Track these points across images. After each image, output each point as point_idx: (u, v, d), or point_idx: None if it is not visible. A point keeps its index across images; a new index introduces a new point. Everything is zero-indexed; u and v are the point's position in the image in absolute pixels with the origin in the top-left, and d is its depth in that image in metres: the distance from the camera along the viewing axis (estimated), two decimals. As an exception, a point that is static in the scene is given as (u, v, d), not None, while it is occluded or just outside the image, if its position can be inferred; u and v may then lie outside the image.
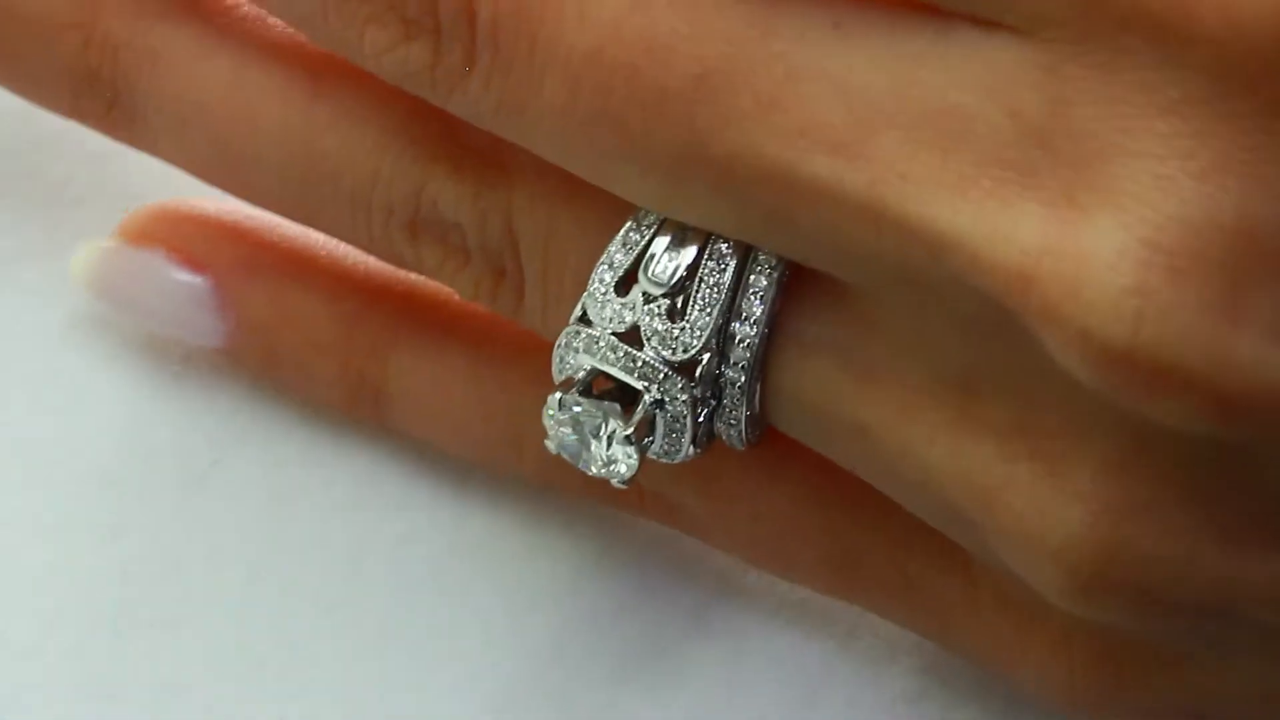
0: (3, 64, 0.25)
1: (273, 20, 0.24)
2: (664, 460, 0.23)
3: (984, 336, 0.20)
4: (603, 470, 0.22)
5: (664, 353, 0.22)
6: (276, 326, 0.26)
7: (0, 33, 0.24)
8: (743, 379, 0.22)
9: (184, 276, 0.26)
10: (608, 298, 0.22)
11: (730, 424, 0.23)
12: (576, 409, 0.22)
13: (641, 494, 0.25)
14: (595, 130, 0.21)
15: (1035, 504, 0.20)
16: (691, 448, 0.23)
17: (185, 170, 0.25)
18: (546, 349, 0.23)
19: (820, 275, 0.22)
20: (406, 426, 0.26)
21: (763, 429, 0.23)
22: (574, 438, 0.22)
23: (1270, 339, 0.18)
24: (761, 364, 0.22)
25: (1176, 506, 0.20)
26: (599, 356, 0.22)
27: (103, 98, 0.25)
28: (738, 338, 0.22)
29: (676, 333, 0.22)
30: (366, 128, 0.23)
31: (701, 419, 0.22)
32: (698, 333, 0.22)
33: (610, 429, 0.22)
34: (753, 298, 0.22)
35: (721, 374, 0.22)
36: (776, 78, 0.20)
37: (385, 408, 0.26)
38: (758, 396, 0.22)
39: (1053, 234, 0.19)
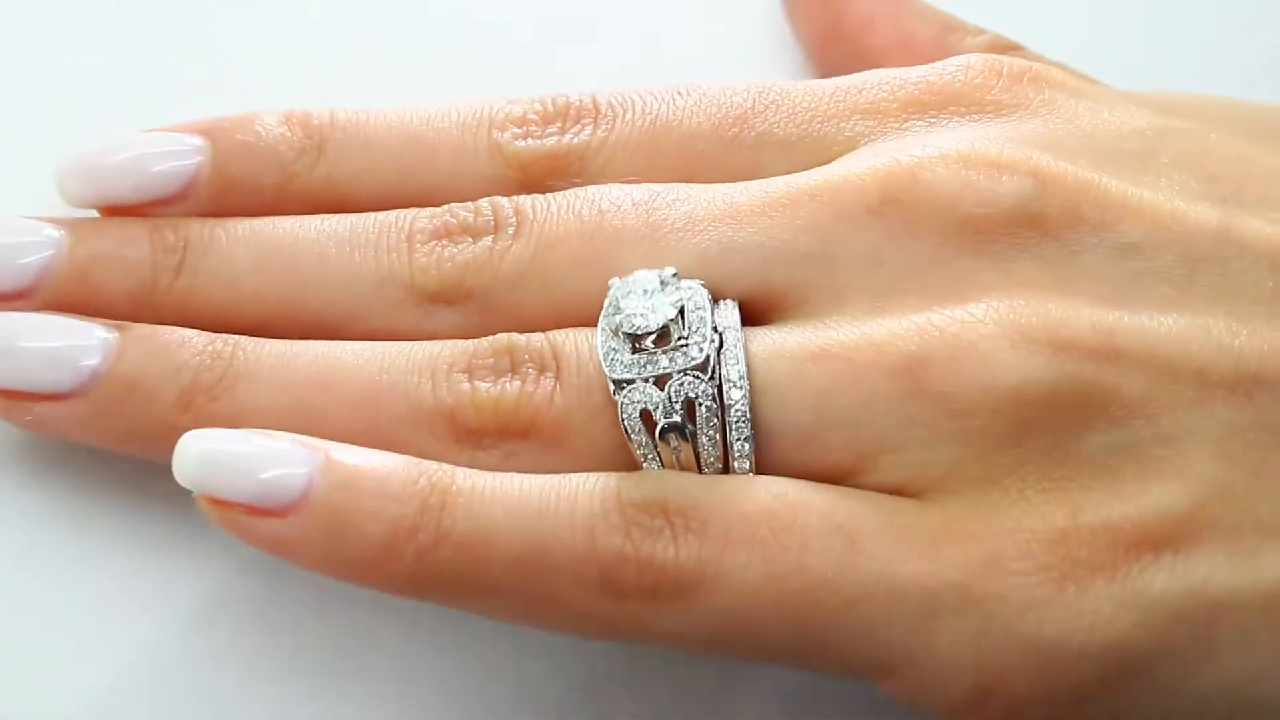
0: (143, 369, 0.31)
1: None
2: (707, 446, 0.29)
3: (880, 259, 0.29)
4: (643, 320, 0.29)
5: (683, 360, 0.29)
6: (355, 466, 0.29)
7: (147, 347, 0.31)
8: (738, 352, 0.29)
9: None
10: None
11: (737, 416, 0.28)
12: (623, 287, 0.29)
13: (675, 552, 0.28)
14: (602, 233, 0.30)
15: (955, 314, 0.28)
16: (719, 436, 0.28)
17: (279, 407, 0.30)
18: None
19: (760, 310, 0.30)
20: (465, 542, 0.28)
21: (757, 441, 0.29)
22: (622, 317, 0.29)
23: (1063, 162, 0.30)
24: (745, 349, 0.29)
25: (1050, 294, 0.29)
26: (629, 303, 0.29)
27: (217, 370, 0.30)
28: (725, 337, 0.29)
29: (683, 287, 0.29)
30: (431, 343, 0.30)
31: (717, 416, 0.29)
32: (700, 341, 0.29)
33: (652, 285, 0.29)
34: (726, 311, 0.29)
35: (722, 362, 0.29)
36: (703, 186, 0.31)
37: (449, 511, 0.28)
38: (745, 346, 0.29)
39: (901, 150, 0.30)
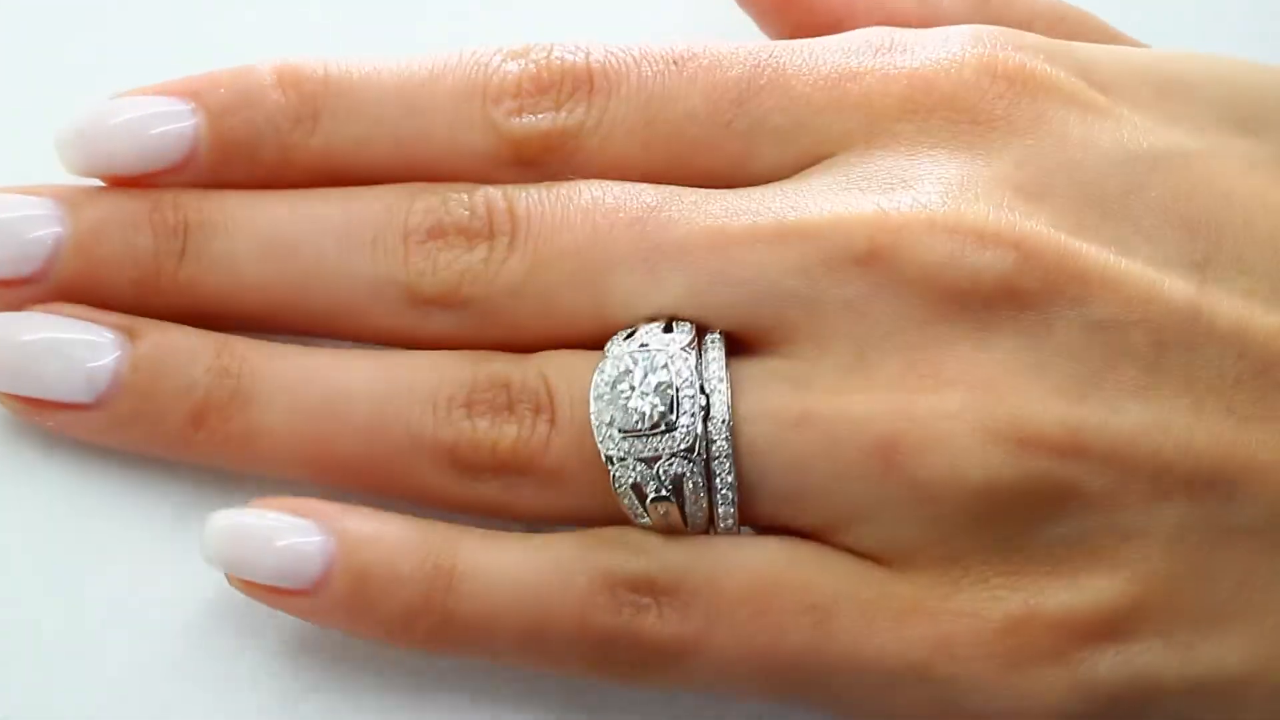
0: (155, 386, 0.31)
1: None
2: (675, 426, 0.30)
3: (864, 311, 0.30)
4: (632, 426, 0.30)
5: (667, 344, 0.30)
6: (368, 535, 0.31)
7: (158, 365, 0.31)
8: (721, 389, 0.30)
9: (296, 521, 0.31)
10: (620, 340, 0.30)
11: (723, 485, 0.30)
12: (620, 353, 0.30)
13: (661, 628, 0.30)
14: (596, 253, 0.31)
15: (936, 398, 0.29)
16: (696, 410, 0.30)
17: (280, 462, 0.31)
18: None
19: (750, 342, 0.30)
20: (471, 620, 0.31)
21: (740, 501, 0.30)
22: (615, 381, 0.30)
23: (1036, 222, 0.30)
24: (729, 388, 0.30)
25: (1021, 377, 0.29)
26: (621, 362, 0.30)
27: (227, 391, 0.31)
28: (706, 374, 0.30)
29: (672, 336, 0.30)
30: (432, 356, 0.31)
31: (704, 489, 0.30)
32: (685, 332, 0.30)
33: (644, 357, 0.30)
34: (710, 347, 0.30)
35: (705, 390, 0.30)
36: (700, 194, 0.31)
37: (458, 589, 0.30)
38: (731, 411, 0.30)
39: (889, 200, 0.30)
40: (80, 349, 0.31)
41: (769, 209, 0.30)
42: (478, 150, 0.32)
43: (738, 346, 0.31)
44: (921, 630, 0.29)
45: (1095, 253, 0.30)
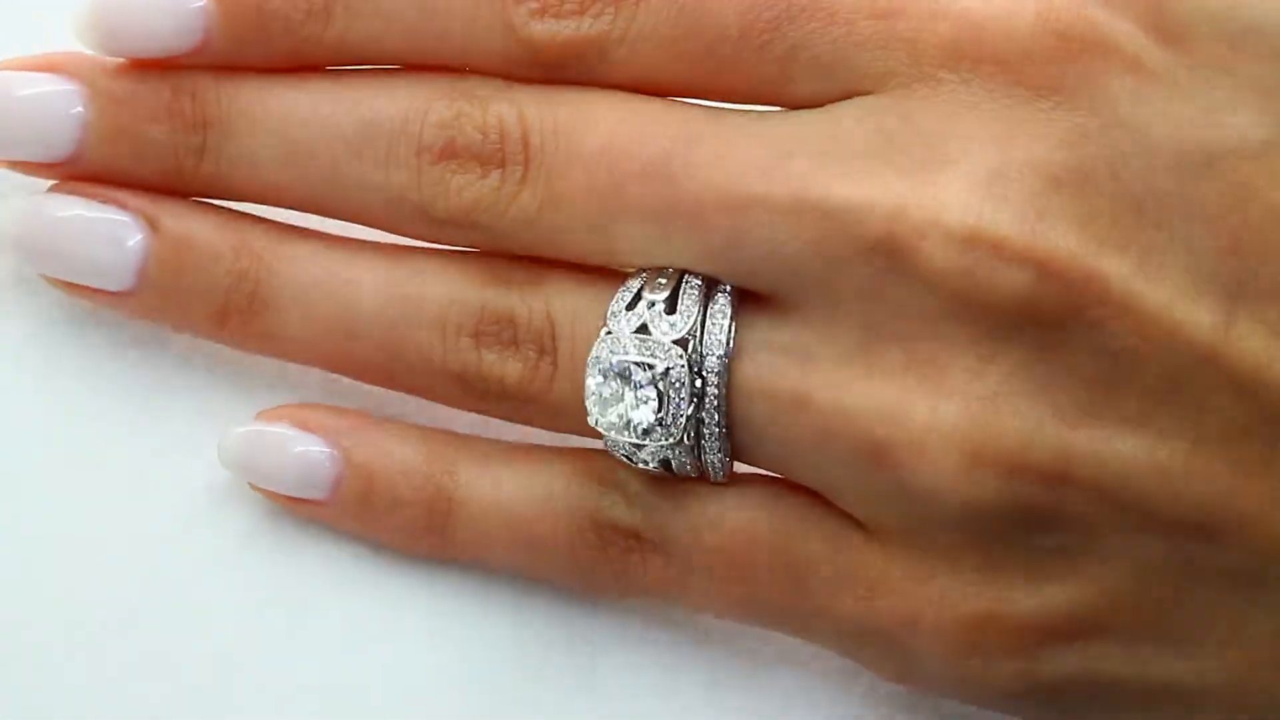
0: (175, 284, 0.32)
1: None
2: (665, 433, 0.30)
3: (876, 296, 0.29)
4: (625, 432, 0.30)
5: (666, 335, 0.30)
6: (374, 455, 0.33)
7: (177, 261, 0.32)
8: (717, 367, 0.30)
9: (305, 439, 0.33)
10: (622, 313, 0.30)
11: (711, 434, 0.30)
12: (606, 384, 0.30)
13: (644, 568, 0.32)
14: (606, 201, 0.30)
15: (928, 408, 0.28)
16: (687, 409, 0.30)
17: (305, 357, 0.32)
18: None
19: (762, 298, 0.30)
20: (469, 542, 0.33)
21: (731, 452, 0.30)
22: (603, 404, 0.30)
23: (1060, 229, 0.28)
24: (729, 362, 0.30)
25: (1022, 397, 0.28)
26: (622, 350, 0.30)
27: (244, 295, 0.32)
28: (711, 336, 0.30)
29: (673, 320, 0.30)
30: (441, 274, 0.32)
31: (692, 408, 0.30)
32: (686, 318, 0.30)
33: (632, 391, 0.30)
34: (717, 314, 0.30)
35: (704, 363, 0.30)
36: (721, 139, 0.29)
37: (456, 514, 0.32)
38: (726, 398, 0.30)
39: (911, 185, 0.28)
40: (103, 242, 0.32)
41: (791, 174, 0.29)
42: (496, 50, 0.31)
43: (746, 296, 0.30)
44: (892, 604, 0.30)
45: (1121, 274, 0.28)
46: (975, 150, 0.28)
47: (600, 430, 0.30)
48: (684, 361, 0.29)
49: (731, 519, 0.31)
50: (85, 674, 0.32)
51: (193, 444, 0.33)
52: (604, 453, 0.31)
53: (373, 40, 0.31)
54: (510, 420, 0.32)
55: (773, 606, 0.31)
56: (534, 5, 0.30)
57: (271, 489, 0.33)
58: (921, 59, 0.29)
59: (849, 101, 0.29)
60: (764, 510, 0.31)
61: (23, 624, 0.32)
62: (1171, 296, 0.28)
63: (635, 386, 0.30)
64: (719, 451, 0.30)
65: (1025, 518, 0.29)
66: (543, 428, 0.32)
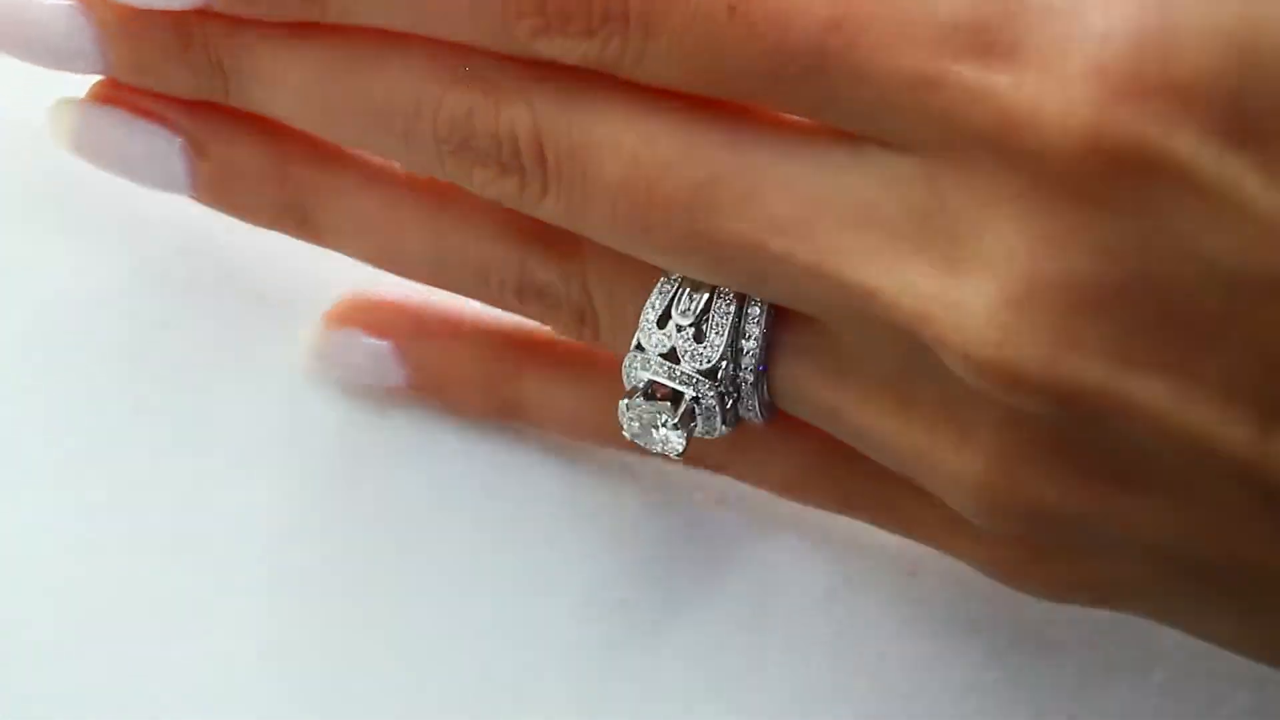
0: (228, 200, 0.33)
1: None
2: (705, 437, 0.31)
3: (909, 352, 0.28)
4: (661, 449, 0.31)
5: (694, 365, 0.30)
6: (441, 367, 0.35)
7: (227, 183, 0.33)
8: (751, 378, 0.30)
9: (373, 343, 0.34)
10: (652, 330, 0.30)
11: (749, 410, 0.30)
12: (639, 408, 0.30)
13: (698, 457, 0.33)
14: (629, 229, 0.29)
15: (954, 458, 0.28)
16: (723, 427, 0.30)
17: (362, 261, 0.33)
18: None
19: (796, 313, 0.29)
20: (539, 424, 0.35)
21: (774, 412, 0.31)
22: (639, 427, 0.31)
23: (1089, 357, 0.26)
24: (763, 369, 0.30)
25: (1045, 456, 0.27)
26: (651, 371, 0.30)
27: (295, 219, 0.33)
28: (744, 351, 0.29)
29: (701, 349, 0.30)
30: (483, 229, 0.32)
31: (729, 407, 0.30)
32: (714, 349, 0.29)
33: (663, 420, 0.30)
34: (751, 325, 0.29)
35: (737, 376, 0.30)
36: (747, 183, 0.27)
37: (520, 414, 0.34)
38: (764, 390, 0.30)
39: (939, 287, 0.26)
40: (153, 163, 0.33)
41: (816, 245, 0.27)
42: (501, 49, 0.29)
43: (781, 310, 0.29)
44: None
45: (1153, 399, 0.26)
46: (1008, 252, 0.26)
47: (633, 382, 0.31)
48: (713, 392, 0.30)
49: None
50: (85, 674, 0.32)
51: (191, 445, 0.33)
52: None
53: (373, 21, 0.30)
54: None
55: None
56: (536, 21, 0.28)
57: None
58: (954, 136, 0.26)
59: (879, 156, 0.27)
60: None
61: (22, 624, 0.32)
62: (1205, 418, 0.26)
63: (665, 410, 0.30)
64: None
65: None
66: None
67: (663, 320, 0.30)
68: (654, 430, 0.30)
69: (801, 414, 0.30)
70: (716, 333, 0.30)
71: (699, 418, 0.30)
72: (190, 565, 0.33)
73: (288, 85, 0.31)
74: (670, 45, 0.27)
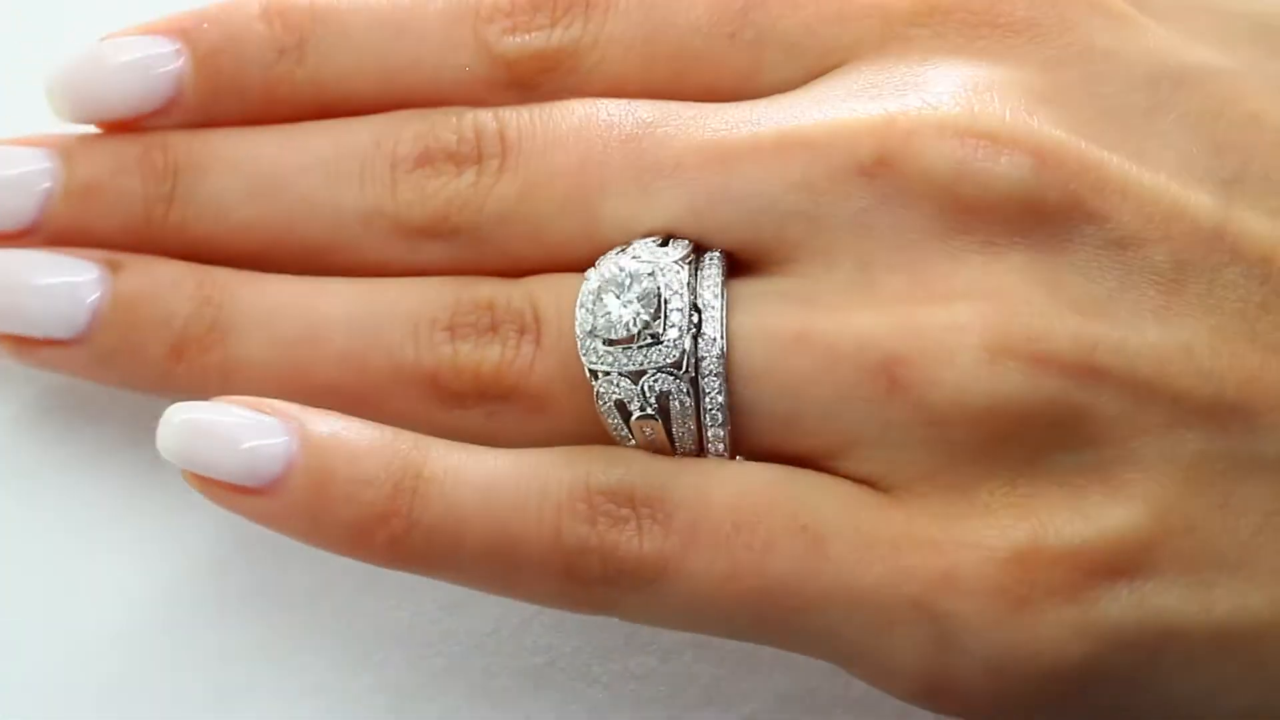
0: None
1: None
2: (662, 352, 0.28)
3: (869, 228, 0.28)
4: (614, 327, 0.29)
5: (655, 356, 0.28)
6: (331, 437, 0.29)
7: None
8: (715, 360, 0.28)
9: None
10: (611, 254, 0.29)
11: (712, 405, 0.28)
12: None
13: (639, 543, 0.29)
14: (588, 173, 0.29)
15: (936, 313, 0.28)
16: (681, 333, 0.28)
17: (259, 390, 0.30)
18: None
19: (751, 262, 0.29)
20: (436, 531, 0.29)
21: (732, 425, 0.29)
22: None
23: (1065, 130, 0.28)
24: (727, 319, 0.28)
25: (1035, 291, 0.28)
26: (615, 263, 0.29)
27: (205, 324, 0.31)
28: (702, 295, 0.28)
29: (667, 250, 0.29)
30: (413, 284, 0.30)
31: (691, 410, 0.28)
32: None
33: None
34: (708, 272, 0.29)
35: (698, 354, 0.28)
36: (698, 108, 0.30)
37: (420, 500, 0.29)
38: (725, 337, 0.28)
39: (899, 106, 0.28)
40: (62, 285, 0.31)
41: (771, 120, 0.29)
42: (469, 75, 0.31)
43: (739, 267, 0.29)
44: (922, 560, 0.27)
45: (1117, 163, 0.28)
46: (956, 74, 0.29)
47: (589, 362, 0.29)
48: (680, 265, 0.28)
49: (740, 477, 0.28)
50: (85, 674, 0.32)
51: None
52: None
53: (346, 76, 0.31)
54: (485, 431, 0.30)
55: (787, 586, 0.28)
56: (506, 23, 0.31)
57: (210, 475, 0.29)
58: (890, 22, 0.29)
59: (824, 76, 0.30)
60: (775, 472, 0.29)
61: (23, 625, 0.32)
62: (1168, 183, 0.28)
63: (627, 281, 0.28)
64: (719, 394, 0.28)
65: (1054, 421, 0.28)
66: (523, 436, 0.30)
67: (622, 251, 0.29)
68: (616, 287, 0.28)
69: (765, 361, 0.29)
70: (677, 307, 0.28)
71: (664, 300, 0.28)
72: (190, 566, 0.33)
73: (241, 163, 0.31)
74: (627, 13, 0.30)
